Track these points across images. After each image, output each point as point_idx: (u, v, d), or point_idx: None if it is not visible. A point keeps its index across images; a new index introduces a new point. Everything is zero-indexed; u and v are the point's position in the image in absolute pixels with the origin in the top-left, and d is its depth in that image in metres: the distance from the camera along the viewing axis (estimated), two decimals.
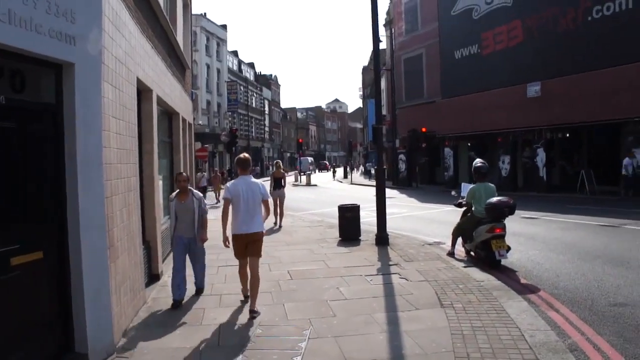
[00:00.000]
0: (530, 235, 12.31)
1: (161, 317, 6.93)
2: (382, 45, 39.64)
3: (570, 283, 7.95)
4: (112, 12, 6.01)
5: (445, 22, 31.96)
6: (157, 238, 8.92)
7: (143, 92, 8.45)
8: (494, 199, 9.36)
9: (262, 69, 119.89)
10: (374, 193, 12.05)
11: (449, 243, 10.65)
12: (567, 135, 25.49)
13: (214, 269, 9.59)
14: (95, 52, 5.35)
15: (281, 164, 17.71)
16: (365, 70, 71.71)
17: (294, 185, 46.06)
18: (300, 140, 61.31)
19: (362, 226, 12.86)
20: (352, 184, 45.25)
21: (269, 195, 7.86)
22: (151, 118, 8.80)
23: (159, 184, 9.70)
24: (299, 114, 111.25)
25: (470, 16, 29.67)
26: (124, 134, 6.61)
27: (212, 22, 55.11)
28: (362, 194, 27.32)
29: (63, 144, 5.07)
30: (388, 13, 42.67)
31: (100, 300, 5.35)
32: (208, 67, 53.43)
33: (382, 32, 38.86)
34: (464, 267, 9.12)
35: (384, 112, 38.84)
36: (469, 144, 30.65)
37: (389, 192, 12.72)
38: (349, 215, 12.56)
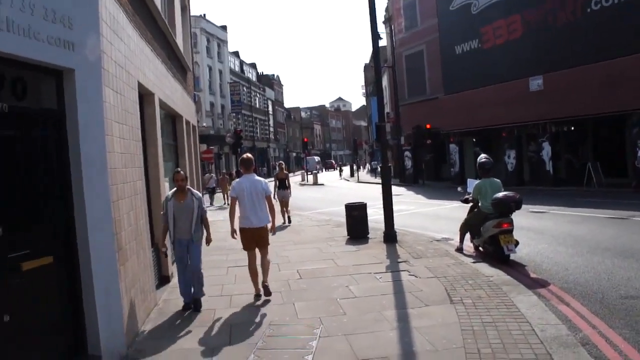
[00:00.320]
0: (538, 230, 12.27)
1: (172, 318, 6.96)
2: (383, 43, 39.63)
3: (580, 276, 7.92)
4: (109, 16, 6.02)
5: (445, 18, 31.84)
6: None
7: (145, 95, 8.46)
8: (500, 194, 9.33)
9: (264, 69, 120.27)
10: (381, 191, 12.04)
11: (457, 239, 10.62)
12: (572, 128, 25.35)
13: (223, 270, 9.65)
14: (94, 57, 5.36)
15: (284, 165, 17.99)
16: (367, 67, 71.68)
17: (301, 184, 46.11)
18: (306, 140, 61.34)
19: (369, 224, 12.86)
20: (358, 182, 45.23)
21: (271, 191, 8.22)
22: (154, 121, 8.82)
23: (166, 186, 9.73)
24: (303, 114, 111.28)
25: (469, 11, 29.54)
26: (128, 138, 6.63)
27: (211, 23, 55.19)
28: (369, 192, 27.31)
29: (67, 150, 5.10)
30: (387, 10, 42.61)
31: (111, 302, 5.38)
32: (210, 68, 53.52)
33: (381, 29, 38.73)
34: (473, 262, 9.10)
35: (387, 109, 38.88)
36: (474, 140, 30.55)
37: (395, 190, 12.72)
38: (356, 214, 12.56)
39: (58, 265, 5.00)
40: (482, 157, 10.27)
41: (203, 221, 7.40)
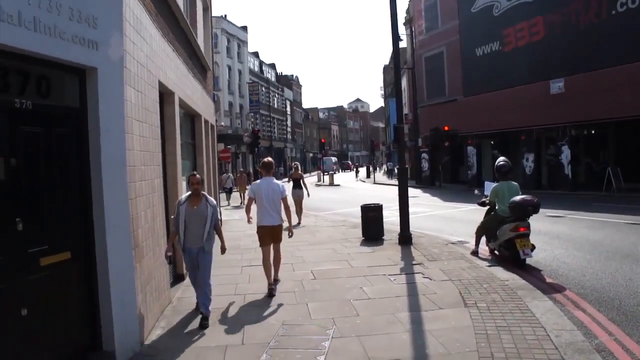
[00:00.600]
0: (555, 234, 12.15)
1: (186, 316, 7.01)
2: (403, 44, 39.47)
3: (597, 282, 7.83)
4: (133, 16, 6.11)
5: (466, 20, 31.70)
6: None
7: (165, 94, 8.55)
8: (518, 198, 9.27)
9: (283, 69, 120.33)
10: (397, 192, 12.02)
11: (473, 242, 10.57)
12: (592, 132, 25.05)
13: (237, 269, 9.69)
14: (117, 57, 5.45)
15: (299, 166, 18.81)
16: (386, 69, 71.39)
17: (317, 185, 46.10)
18: (323, 140, 61.41)
19: (385, 226, 12.84)
20: (374, 183, 45.15)
21: (287, 193, 8.59)
22: (174, 120, 8.91)
23: (183, 185, 9.81)
24: (320, 114, 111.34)
25: (490, 13, 29.37)
26: (147, 136, 6.71)
27: (232, 23, 55.47)
28: (385, 194, 27.25)
29: (88, 147, 5.18)
30: (408, 11, 42.46)
31: (126, 299, 5.45)
32: (229, 68, 53.78)
33: (402, 30, 38.65)
34: (488, 266, 9.04)
35: (405, 110, 38.76)
36: (492, 142, 30.36)
37: (411, 192, 12.69)
38: (372, 215, 12.55)
39: (75, 261, 5.09)
40: (501, 160, 10.21)
41: (217, 230, 6.96)
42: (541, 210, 9.50)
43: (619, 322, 6.03)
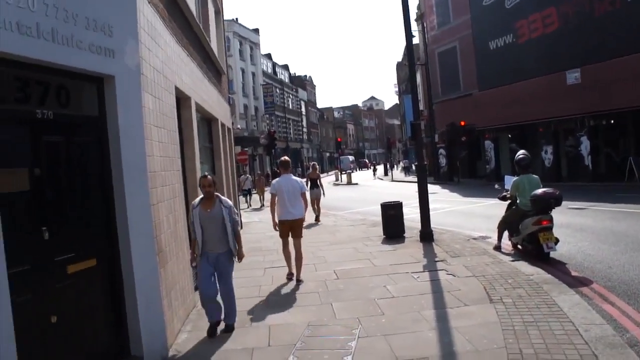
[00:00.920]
0: (578, 226, 12.00)
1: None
2: (415, 40, 39.29)
3: (624, 275, 7.70)
4: (147, 23, 6.14)
5: (478, 13, 31.43)
6: None
7: (182, 99, 8.60)
8: (539, 191, 9.16)
9: (297, 70, 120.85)
10: (415, 190, 11.95)
11: (495, 237, 10.48)
12: (612, 121, 24.63)
13: (260, 271, 9.71)
14: (133, 64, 5.49)
15: (317, 166, 19.68)
16: (399, 66, 71.18)
17: (335, 184, 46.08)
18: (339, 139, 61.43)
19: (405, 223, 12.76)
20: (392, 181, 44.99)
21: (306, 188, 9.57)
22: (191, 125, 8.95)
23: None
24: (335, 113, 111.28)
25: (502, 5, 29.10)
26: (166, 141, 6.74)
27: (244, 26, 55.70)
28: (404, 191, 27.17)
29: (109, 155, 5.23)
30: (419, 7, 42.25)
31: (152, 304, 5.48)
32: (243, 71, 54.02)
33: (413, 26, 38.45)
34: (512, 261, 8.95)
35: (420, 107, 38.51)
36: (509, 136, 30.05)
37: (430, 188, 12.61)
38: (392, 213, 12.50)
39: (101, 267, 5.15)
40: (520, 153, 10.10)
41: (235, 234, 6.54)
42: (563, 202, 9.35)
43: None
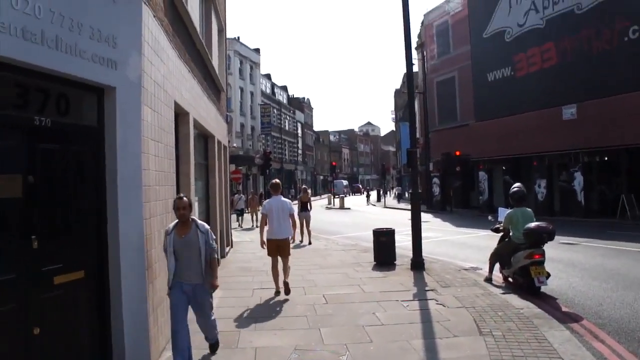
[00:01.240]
0: (570, 262, 11.98)
1: (197, 339, 6.91)
2: (414, 69, 39.68)
3: (615, 312, 7.66)
4: (151, 37, 6.16)
5: (477, 45, 31.84)
6: None
7: (180, 115, 8.60)
8: (533, 224, 9.15)
9: (295, 92, 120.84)
10: (408, 217, 11.93)
11: (486, 269, 10.44)
12: (605, 158, 24.87)
13: (249, 292, 9.62)
14: (135, 76, 5.48)
15: (308, 190, 20.42)
16: (397, 93, 71.70)
17: (327, 208, 45.98)
18: (334, 163, 61.46)
19: (397, 250, 12.71)
20: (385, 207, 44.99)
21: (294, 210, 10.33)
22: (188, 141, 8.94)
23: (195, 206, 9.79)
24: (331, 137, 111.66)
25: (502, 38, 29.51)
26: (162, 156, 6.71)
27: (245, 45, 56.06)
28: (396, 218, 27.13)
29: (104, 166, 5.18)
30: (419, 36, 42.72)
31: (138, 320, 5.39)
32: (242, 90, 54.22)
33: (413, 55, 38.86)
34: (502, 293, 8.90)
35: (416, 135, 38.72)
36: (503, 168, 30.21)
37: (423, 216, 12.57)
38: (384, 240, 12.45)
39: (88, 280, 5.05)
40: (515, 186, 10.12)
41: (210, 262, 5.81)
42: (555, 237, 9.36)
43: None
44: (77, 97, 4.98)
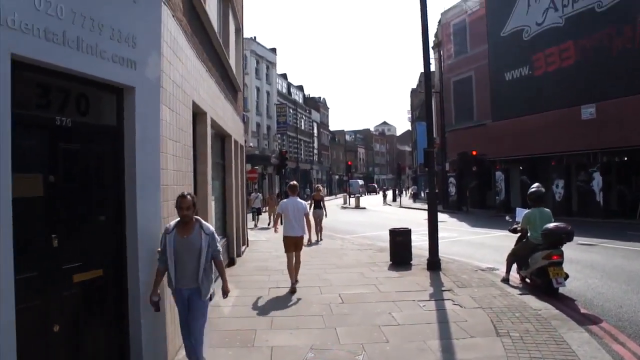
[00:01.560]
0: (588, 263, 11.85)
1: (213, 337, 6.95)
2: (431, 68, 39.53)
3: (635, 315, 7.55)
4: (170, 37, 6.20)
5: (495, 44, 31.61)
6: None
7: (198, 114, 8.65)
8: (551, 225, 9.07)
9: (311, 91, 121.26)
10: (424, 217, 11.89)
11: (503, 269, 10.38)
12: (625, 158, 24.56)
13: (264, 291, 9.65)
14: (154, 76, 5.52)
15: (321, 188, 21.23)
16: (413, 92, 71.38)
17: (343, 207, 45.94)
18: (350, 163, 61.36)
19: (413, 250, 12.68)
20: (400, 207, 44.85)
21: (309, 211, 11.06)
22: (205, 140, 8.99)
23: (212, 205, 9.85)
24: (347, 137, 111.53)
25: (520, 37, 29.27)
26: (180, 155, 6.76)
27: (262, 45, 56.17)
28: (412, 217, 27.04)
29: (123, 166, 5.22)
30: (436, 35, 42.50)
31: (155, 318, 5.41)
32: (258, 90, 54.35)
33: (430, 54, 38.67)
34: (520, 294, 8.84)
35: (433, 134, 38.57)
36: (520, 168, 29.93)
37: (439, 216, 12.50)
38: (400, 239, 12.42)
39: (107, 278, 5.09)
40: (534, 186, 10.04)
41: (217, 266, 5.46)
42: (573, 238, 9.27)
43: None
44: (97, 97, 5.02)
